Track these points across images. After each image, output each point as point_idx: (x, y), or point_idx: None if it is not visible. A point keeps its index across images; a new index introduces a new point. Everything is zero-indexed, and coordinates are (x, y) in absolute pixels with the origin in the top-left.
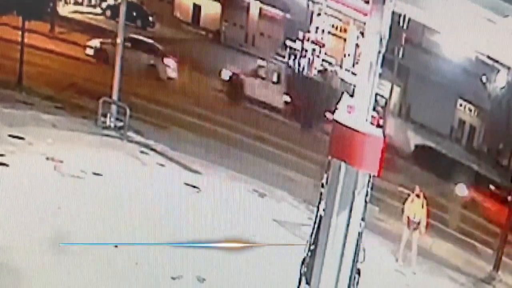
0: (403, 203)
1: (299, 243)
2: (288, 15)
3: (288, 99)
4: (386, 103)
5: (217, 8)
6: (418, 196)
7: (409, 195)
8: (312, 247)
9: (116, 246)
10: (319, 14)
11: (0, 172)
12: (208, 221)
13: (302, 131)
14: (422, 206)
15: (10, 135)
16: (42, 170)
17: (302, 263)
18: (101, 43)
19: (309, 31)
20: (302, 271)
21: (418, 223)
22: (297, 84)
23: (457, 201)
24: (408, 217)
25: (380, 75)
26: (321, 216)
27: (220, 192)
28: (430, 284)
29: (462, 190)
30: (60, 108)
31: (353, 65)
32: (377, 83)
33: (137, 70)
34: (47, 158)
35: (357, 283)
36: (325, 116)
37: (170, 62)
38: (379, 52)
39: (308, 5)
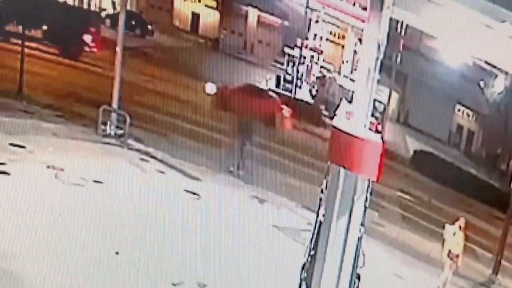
0: (442, 234)
1: (299, 248)
2: (286, 23)
3: (45, 27)
4: (384, 109)
5: (215, 16)
6: (460, 228)
7: (451, 224)
8: (312, 253)
9: (117, 253)
10: (317, 21)
11: (1, 181)
12: (208, 228)
13: (62, 56)
14: (462, 238)
15: (11, 144)
16: (43, 178)
17: (302, 268)
18: None
19: (307, 38)
20: (302, 277)
21: (457, 256)
22: (52, 13)
23: None
24: (450, 251)
25: (378, 81)
26: (320, 222)
27: (220, 198)
28: None
29: (210, 88)
30: (61, 116)
31: (351, 72)
32: (375, 89)
33: None
34: (48, 166)
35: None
36: (83, 41)
37: None
38: (377, 58)
39: (306, 13)
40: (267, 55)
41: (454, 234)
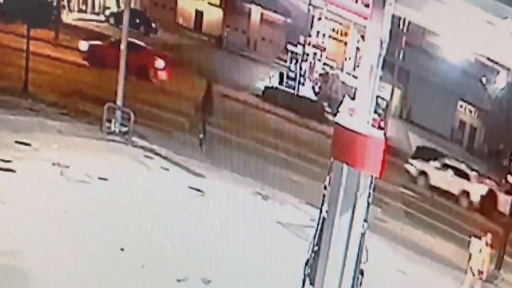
0: (468, 246)
1: (303, 244)
2: (289, 20)
3: None
4: (387, 105)
5: (219, 14)
6: (486, 244)
7: (478, 237)
8: (315, 249)
9: (122, 249)
10: (319, 19)
11: (7, 178)
12: (212, 224)
13: None
14: (489, 254)
15: (16, 142)
16: (48, 176)
17: (306, 264)
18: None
19: (310, 35)
20: (305, 272)
21: (481, 272)
22: None
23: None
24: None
25: (380, 77)
26: (324, 218)
27: (224, 195)
28: (433, 284)
29: (83, 46)
30: (66, 114)
31: (354, 68)
32: (378, 86)
33: None
34: (53, 164)
35: (360, 283)
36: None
37: None
38: (380, 55)
39: (308, 10)
40: (270, 52)
41: (480, 250)
